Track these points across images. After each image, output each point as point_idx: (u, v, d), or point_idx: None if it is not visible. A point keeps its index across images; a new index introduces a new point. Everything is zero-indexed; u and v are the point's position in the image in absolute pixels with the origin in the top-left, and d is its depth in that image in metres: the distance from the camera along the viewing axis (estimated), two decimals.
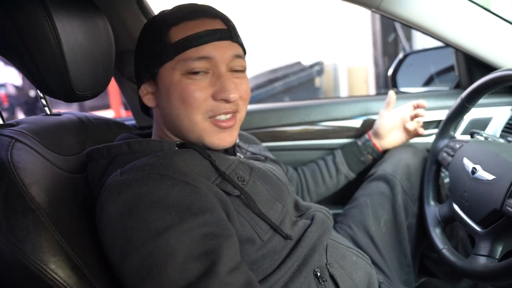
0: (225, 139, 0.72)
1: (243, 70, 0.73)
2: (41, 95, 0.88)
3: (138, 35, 0.74)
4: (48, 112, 0.89)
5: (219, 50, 0.68)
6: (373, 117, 1.26)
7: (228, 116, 0.71)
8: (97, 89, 0.79)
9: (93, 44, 0.75)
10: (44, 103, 0.89)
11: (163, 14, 0.72)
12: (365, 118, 1.26)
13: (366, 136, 1.16)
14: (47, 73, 0.66)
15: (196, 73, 0.67)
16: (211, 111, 0.69)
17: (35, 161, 0.62)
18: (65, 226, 0.58)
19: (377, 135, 1.13)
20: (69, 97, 0.71)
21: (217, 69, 0.69)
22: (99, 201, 0.60)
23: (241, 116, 0.74)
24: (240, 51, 0.72)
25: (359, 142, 1.16)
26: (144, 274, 0.52)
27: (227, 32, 0.70)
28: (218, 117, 0.70)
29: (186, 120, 0.69)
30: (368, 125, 1.25)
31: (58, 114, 0.87)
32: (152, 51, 0.69)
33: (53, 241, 0.55)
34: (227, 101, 0.69)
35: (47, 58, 0.65)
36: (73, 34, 0.68)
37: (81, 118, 0.87)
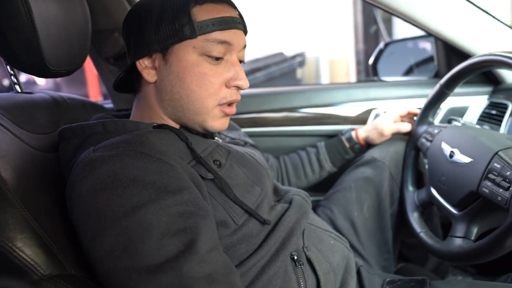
0: (224, 124, 0.73)
1: (243, 61, 0.75)
2: (11, 72, 0.84)
3: (142, 3, 0.69)
4: (19, 90, 0.85)
5: (237, 38, 0.69)
6: (355, 104, 1.26)
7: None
8: (72, 66, 0.76)
9: (67, 18, 0.72)
10: (15, 80, 0.85)
11: None
12: (346, 105, 1.26)
13: (353, 135, 1.12)
14: (17, 45, 0.63)
15: (215, 58, 0.68)
16: (224, 98, 0.70)
17: (2, 136, 0.60)
18: (34, 204, 0.55)
19: (370, 139, 1.10)
20: (41, 72, 0.68)
21: (231, 56, 0.69)
22: (70, 178, 0.58)
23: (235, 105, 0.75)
24: (246, 43, 0.73)
25: (345, 141, 1.13)
26: (119, 250, 0.51)
27: (242, 21, 0.71)
28: (225, 104, 0.71)
29: (197, 103, 0.68)
30: (352, 114, 1.25)
31: (30, 93, 0.83)
32: (173, 25, 0.66)
33: (20, 218, 0.52)
34: (239, 88, 0.71)
35: (16, 29, 0.62)
36: (45, 6, 0.65)
37: (54, 97, 0.84)
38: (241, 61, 0.74)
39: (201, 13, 0.66)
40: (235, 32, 0.69)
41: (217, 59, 0.68)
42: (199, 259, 0.51)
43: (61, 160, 0.67)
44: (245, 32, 0.73)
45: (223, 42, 0.67)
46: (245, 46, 0.73)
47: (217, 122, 0.71)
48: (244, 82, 0.70)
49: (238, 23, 0.69)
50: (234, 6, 0.71)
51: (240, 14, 0.72)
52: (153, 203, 0.53)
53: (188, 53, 0.67)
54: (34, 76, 0.70)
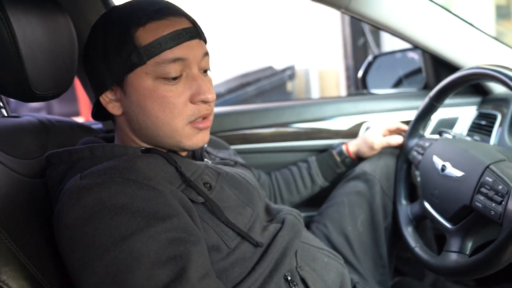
0: (203, 139, 0.70)
1: (208, 69, 0.71)
2: None
3: (89, 37, 0.68)
4: (5, 114, 0.84)
5: (192, 50, 0.65)
6: (345, 118, 1.26)
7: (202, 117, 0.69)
8: (59, 89, 0.75)
9: (53, 41, 0.71)
10: (1, 104, 0.83)
11: (123, 12, 0.66)
12: (336, 119, 1.27)
13: (344, 149, 1.12)
14: (1, 71, 0.62)
15: (171, 78, 0.64)
16: (192, 115, 0.66)
17: None
18: (20, 234, 0.54)
19: (360, 153, 1.10)
20: (27, 97, 0.67)
21: (190, 70, 0.66)
22: (57, 207, 0.57)
23: (212, 116, 0.72)
24: (207, 49, 0.70)
25: (336, 155, 1.12)
26: (109, 282, 0.49)
27: (195, 30, 0.67)
28: (197, 120, 0.68)
29: (165, 127, 0.66)
30: (343, 128, 1.26)
31: (17, 116, 0.82)
32: (120, 55, 0.63)
33: (4, 249, 0.50)
34: (205, 102, 0.67)
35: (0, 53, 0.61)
36: (30, 30, 0.64)
37: (42, 120, 0.83)
38: (207, 70, 0.70)
39: (146, 35, 0.62)
40: (187, 45, 0.65)
41: (175, 78, 0.64)
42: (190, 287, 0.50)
43: (49, 186, 0.65)
44: (202, 39, 0.68)
45: (176, 60, 0.63)
46: (206, 54, 0.68)
47: (194, 140, 0.69)
48: (208, 94, 0.66)
49: (190, 33, 0.65)
50: (183, 15, 0.67)
51: (192, 21, 0.68)
52: (142, 231, 0.52)
53: (142, 80, 0.64)
54: (19, 101, 0.68)
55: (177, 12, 0.66)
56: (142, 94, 0.64)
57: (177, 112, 0.65)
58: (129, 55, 0.62)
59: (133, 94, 0.65)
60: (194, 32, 0.66)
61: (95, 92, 0.68)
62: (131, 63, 0.63)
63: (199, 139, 0.69)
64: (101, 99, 0.68)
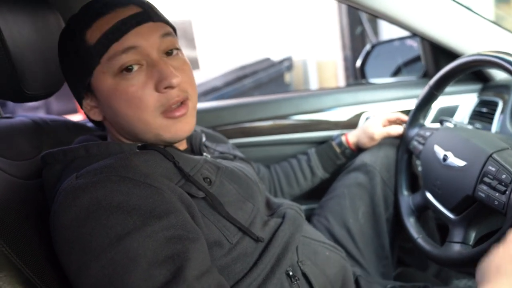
0: (182, 128, 0.65)
1: (178, 50, 0.66)
2: None
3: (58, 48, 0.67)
4: None
5: (143, 36, 0.61)
6: (344, 108, 1.25)
7: (178, 104, 0.65)
8: (50, 89, 0.73)
9: (43, 40, 0.70)
10: None
11: (73, 18, 0.65)
12: (335, 110, 1.25)
13: (343, 140, 1.11)
14: None
15: (129, 69, 0.61)
16: (161, 105, 0.63)
17: None
18: (15, 238, 0.53)
19: (360, 144, 1.09)
20: (18, 97, 0.66)
21: (149, 57, 0.62)
22: (53, 207, 0.56)
23: (193, 103, 0.68)
24: (167, 29, 0.65)
25: (336, 146, 1.11)
26: (105, 283, 0.49)
27: (144, 13, 0.63)
28: (169, 109, 0.64)
29: (138, 123, 0.64)
30: (342, 119, 1.24)
31: (10, 117, 0.81)
32: (76, 62, 0.62)
33: None
34: (171, 87, 0.62)
35: None
36: (17, 30, 0.63)
37: (35, 120, 0.81)
38: (176, 51, 0.66)
39: (93, 34, 0.61)
40: (136, 32, 0.61)
41: (133, 69, 0.61)
42: (187, 287, 0.49)
43: (45, 187, 0.64)
44: (157, 20, 0.64)
45: (126, 50, 0.60)
46: (166, 35, 0.64)
47: (173, 130, 0.65)
48: (172, 79, 0.61)
49: (136, 19, 0.61)
50: (131, 3, 0.63)
51: (142, 5, 0.64)
52: (138, 230, 0.51)
53: (103, 81, 0.62)
54: (10, 101, 0.67)
55: (124, 2, 0.63)
56: (107, 95, 0.63)
57: (143, 105, 0.62)
58: (83, 57, 0.61)
59: (100, 96, 0.64)
60: (142, 16, 0.62)
61: (79, 103, 0.68)
62: (87, 66, 0.62)
63: (178, 129, 0.65)
64: (83, 107, 0.67)
